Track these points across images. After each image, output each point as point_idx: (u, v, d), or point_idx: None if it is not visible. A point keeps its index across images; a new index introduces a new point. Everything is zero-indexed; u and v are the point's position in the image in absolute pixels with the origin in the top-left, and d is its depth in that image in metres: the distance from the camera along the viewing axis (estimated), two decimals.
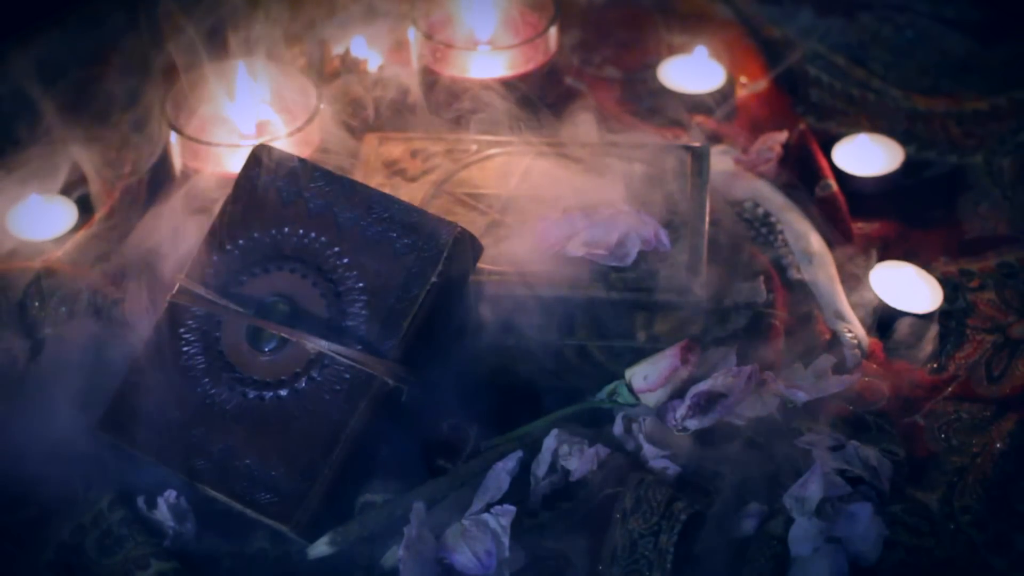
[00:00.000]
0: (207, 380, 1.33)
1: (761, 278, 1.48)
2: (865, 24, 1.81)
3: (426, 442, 1.36)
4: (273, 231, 1.36)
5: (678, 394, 1.32)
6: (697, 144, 1.52)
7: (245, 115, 1.56)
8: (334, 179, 1.36)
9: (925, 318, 1.46)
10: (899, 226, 1.57)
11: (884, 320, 1.47)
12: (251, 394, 1.32)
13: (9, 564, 1.29)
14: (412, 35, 1.64)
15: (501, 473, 1.29)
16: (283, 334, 1.31)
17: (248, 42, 1.71)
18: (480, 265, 1.37)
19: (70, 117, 1.72)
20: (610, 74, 1.76)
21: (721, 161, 1.58)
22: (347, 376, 1.30)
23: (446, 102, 1.62)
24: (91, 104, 1.73)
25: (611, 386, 1.34)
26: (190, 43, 1.68)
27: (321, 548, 1.28)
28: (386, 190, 1.37)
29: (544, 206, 1.45)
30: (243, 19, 1.76)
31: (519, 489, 1.30)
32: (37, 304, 1.47)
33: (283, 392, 1.31)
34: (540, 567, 1.27)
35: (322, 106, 1.55)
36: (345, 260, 1.33)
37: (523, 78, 1.62)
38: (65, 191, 1.62)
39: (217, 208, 1.39)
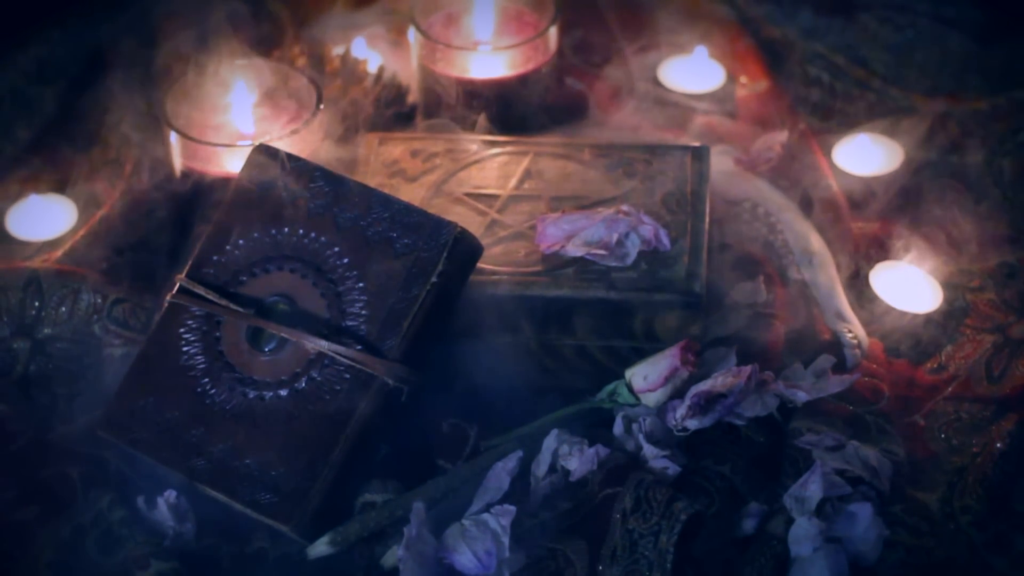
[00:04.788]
0: (207, 380, 1.33)
1: (761, 278, 1.48)
2: (865, 24, 1.81)
3: (426, 442, 1.36)
4: (273, 231, 1.36)
5: (678, 394, 1.32)
6: (697, 144, 1.52)
7: (245, 115, 1.56)
8: (334, 179, 1.36)
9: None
10: (899, 226, 1.57)
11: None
12: (251, 394, 1.32)
13: (9, 564, 1.29)
14: (412, 35, 1.64)
15: (501, 473, 1.29)
16: (283, 334, 1.32)
17: (248, 42, 1.72)
18: (480, 265, 1.37)
19: (70, 117, 1.72)
20: (610, 74, 1.76)
21: (721, 161, 1.58)
22: (347, 376, 1.30)
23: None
24: (91, 104, 1.73)
25: (611, 386, 1.34)
26: (190, 43, 1.69)
27: (321, 548, 1.28)
28: (386, 190, 1.37)
29: (544, 206, 1.45)
30: (243, 19, 1.76)
31: (519, 489, 1.30)
32: (37, 304, 1.47)
33: (283, 392, 1.31)
34: (540, 567, 1.27)
35: (322, 106, 1.55)
36: (345, 260, 1.33)
37: (523, 78, 1.62)
38: (65, 191, 1.62)
39: (218, 208, 1.39)
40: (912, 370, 1.44)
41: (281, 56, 1.70)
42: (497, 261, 1.40)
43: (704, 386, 1.30)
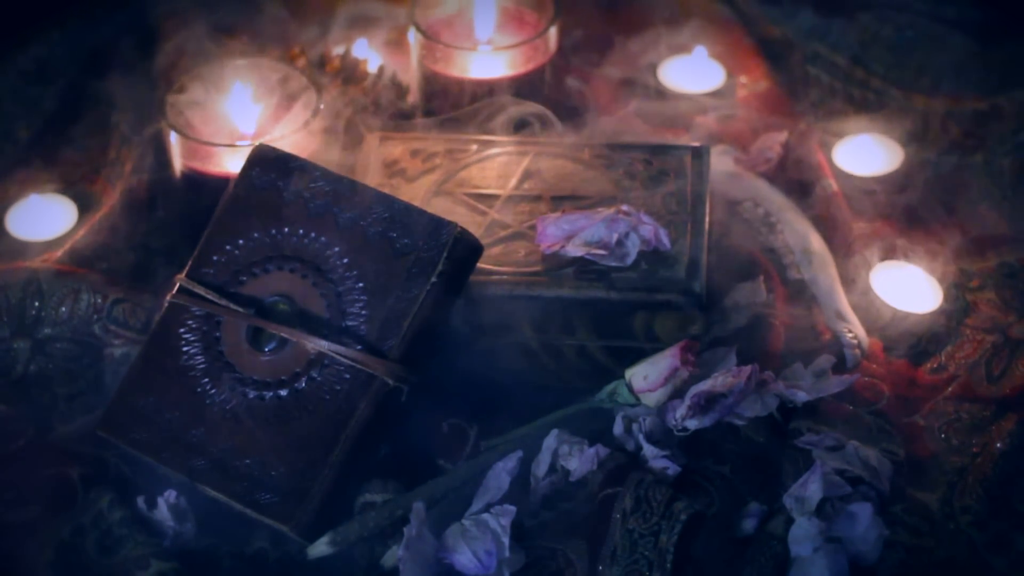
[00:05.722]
0: (207, 380, 1.33)
1: (761, 278, 1.48)
2: (865, 24, 1.80)
3: (426, 442, 1.36)
4: (273, 231, 1.36)
5: (678, 394, 1.32)
6: (697, 144, 1.52)
7: (245, 115, 1.56)
8: (334, 179, 1.36)
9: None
10: (899, 226, 1.57)
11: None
12: (251, 394, 1.32)
13: (9, 564, 1.29)
14: (412, 35, 1.64)
15: (501, 473, 1.29)
16: (283, 334, 1.31)
17: (249, 42, 1.72)
18: (480, 265, 1.37)
19: (70, 117, 1.72)
20: (610, 74, 1.76)
21: (721, 161, 1.58)
22: (347, 376, 1.30)
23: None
24: (91, 104, 1.73)
25: (611, 386, 1.34)
26: (190, 42, 1.69)
27: (321, 548, 1.28)
28: (386, 190, 1.37)
29: (544, 206, 1.45)
30: (243, 19, 1.77)
31: (519, 489, 1.30)
32: (37, 304, 1.47)
33: (283, 392, 1.31)
34: (540, 567, 1.27)
35: (322, 106, 1.55)
36: (345, 260, 1.33)
37: (523, 78, 1.62)
38: (65, 191, 1.62)
39: (218, 208, 1.39)
40: (912, 370, 1.44)
41: (281, 56, 1.70)
42: (497, 261, 1.40)
43: (704, 386, 1.30)
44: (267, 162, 1.38)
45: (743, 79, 1.75)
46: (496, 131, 1.54)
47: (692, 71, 1.74)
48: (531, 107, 1.55)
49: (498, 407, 1.38)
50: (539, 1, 1.66)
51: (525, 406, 1.39)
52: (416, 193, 1.47)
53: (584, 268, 1.39)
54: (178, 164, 1.55)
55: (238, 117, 1.56)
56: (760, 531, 1.28)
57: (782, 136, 1.63)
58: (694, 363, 1.32)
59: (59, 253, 1.53)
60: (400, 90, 1.67)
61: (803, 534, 1.25)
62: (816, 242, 1.53)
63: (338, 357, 1.30)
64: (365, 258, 1.33)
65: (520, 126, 1.56)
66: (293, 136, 1.51)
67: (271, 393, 1.31)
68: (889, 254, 1.53)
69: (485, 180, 1.49)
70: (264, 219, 1.36)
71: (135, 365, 1.36)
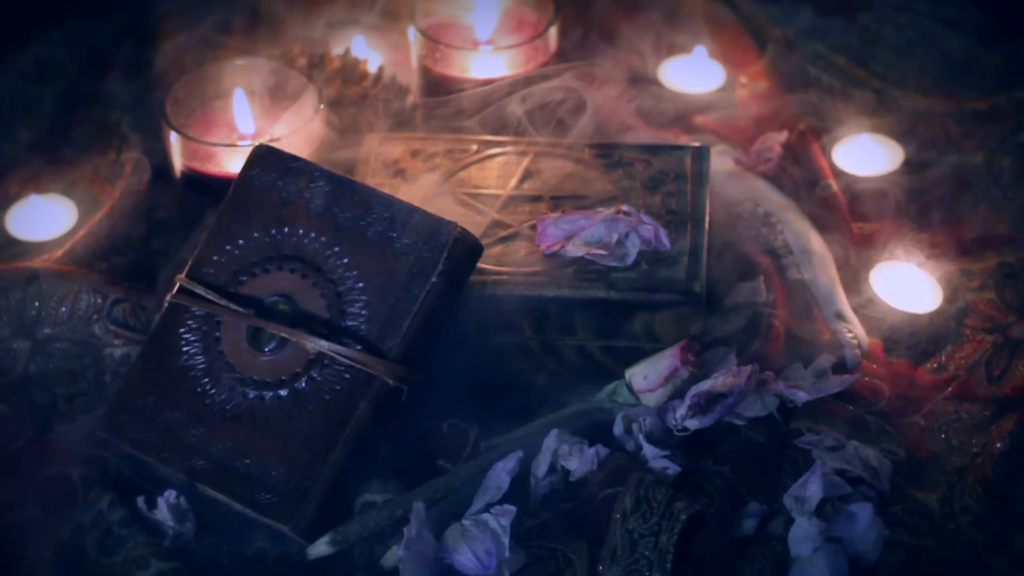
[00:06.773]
0: (207, 380, 1.33)
1: (761, 278, 1.48)
2: (865, 24, 1.80)
3: (426, 442, 1.36)
4: (273, 231, 1.36)
5: (678, 394, 1.32)
6: (697, 144, 1.52)
7: (245, 115, 1.56)
8: (334, 179, 1.36)
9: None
10: (899, 226, 1.57)
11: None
12: (251, 394, 1.32)
13: (9, 564, 1.29)
14: (412, 35, 1.64)
15: (501, 473, 1.29)
16: (283, 334, 1.31)
17: (249, 42, 1.72)
18: (480, 265, 1.37)
19: (70, 117, 1.72)
20: (610, 74, 1.76)
21: (721, 161, 1.58)
22: (347, 376, 1.30)
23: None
24: (91, 104, 1.73)
25: (611, 386, 1.34)
26: (190, 43, 1.69)
27: (321, 548, 1.28)
28: (386, 190, 1.37)
29: (544, 206, 1.45)
30: (243, 19, 1.77)
31: (519, 489, 1.30)
32: (37, 304, 1.47)
33: (283, 392, 1.31)
34: (540, 567, 1.27)
35: (322, 106, 1.55)
36: (345, 260, 1.33)
37: (523, 78, 1.62)
38: (65, 191, 1.62)
39: (218, 208, 1.39)
40: (912, 370, 1.44)
41: (281, 56, 1.70)
42: (497, 261, 1.40)
43: (704, 386, 1.30)
44: (267, 162, 1.38)
45: (743, 79, 1.75)
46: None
47: (692, 71, 1.74)
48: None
49: (498, 407, 1.38)
50: (539, 1, 1.66)
51: (525, 406, 1.39)
52: (416, 193, 1.47)
53: (584, 268, 1.39)
54: (178, 164, 1.55)
55: (238, 117, 1.56)
56: (760, 531, 1.28)
57: (782, 136, 1.63)
58: (694, 363, 1.32)
59: (59, 253, 1.53)
60: (400, 90, 1.67)
61: (803, 534, 1.25)
62: (816, 242, 1.52)
63: (338, 357, 1.30)
64: (365, 258, 1.33)
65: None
66: (293, 136, 1.51)
67: (271, 393, 1.32)
68: (889, 254, 1.53)
69: (485, 180, 1.49)
70: (264, 219, 1.36)
71: (135, 365, 1.36)
